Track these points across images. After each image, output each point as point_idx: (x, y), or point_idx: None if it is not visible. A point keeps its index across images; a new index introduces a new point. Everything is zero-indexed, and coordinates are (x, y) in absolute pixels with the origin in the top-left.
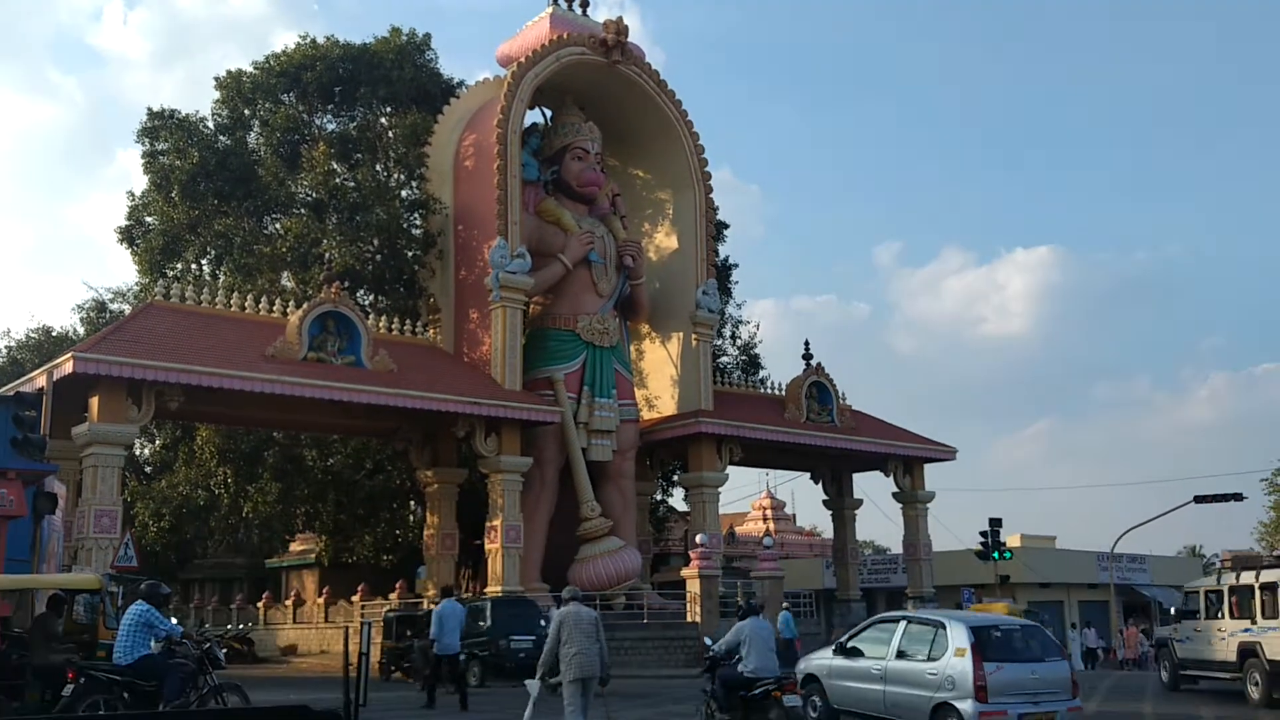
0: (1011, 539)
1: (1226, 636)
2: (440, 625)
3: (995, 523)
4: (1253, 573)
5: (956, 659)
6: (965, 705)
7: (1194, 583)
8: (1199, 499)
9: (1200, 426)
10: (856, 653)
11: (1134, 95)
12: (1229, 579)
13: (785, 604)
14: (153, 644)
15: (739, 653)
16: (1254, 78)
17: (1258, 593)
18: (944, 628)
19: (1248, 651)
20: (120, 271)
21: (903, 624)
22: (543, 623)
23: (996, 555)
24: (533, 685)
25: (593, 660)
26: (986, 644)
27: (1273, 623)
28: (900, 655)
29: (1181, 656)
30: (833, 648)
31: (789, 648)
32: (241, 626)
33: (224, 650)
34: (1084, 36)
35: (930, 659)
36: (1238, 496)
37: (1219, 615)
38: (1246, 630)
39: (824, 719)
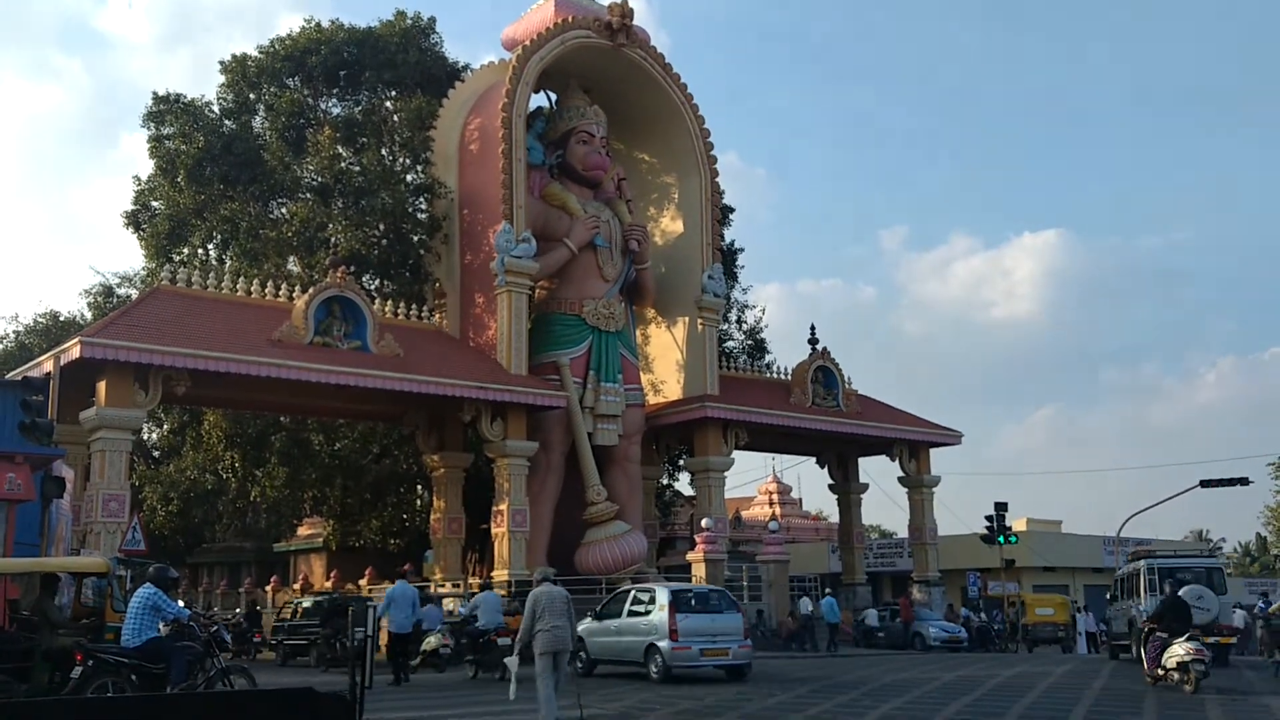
0: (1017, 523)
1: (1127, 612)
2: (390, 606)
3: (1001, 507)
4: (1140, 561)
5: (660, 613)
6: (664, 644)
7: (1118, 572)
8: (1205, 483)
9: (1208, 411)
10: (605, 616)
11: (1143, 79)
12: (1129, 567)
13: (829, 590)
14: (160, 627)
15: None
16: (1264, 61)
17: (1142, 576)
18: (654, 592)
19: (1131, 622)
20: (127, 256)
21: (632, 592)
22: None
23: (1002, 539)
24: (513, 663)
25: (564, 636)
26: (680, 602)
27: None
28: (629, 614)
29: (1114, 631)
30: (590, 616)
31: (835, 630)
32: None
33: (231, 633)
34: (1094, 20)
35: (645, 615)
36: (1244, 481)
37: (1127, 596)
38: (1134, 607)
39: (587, 669)
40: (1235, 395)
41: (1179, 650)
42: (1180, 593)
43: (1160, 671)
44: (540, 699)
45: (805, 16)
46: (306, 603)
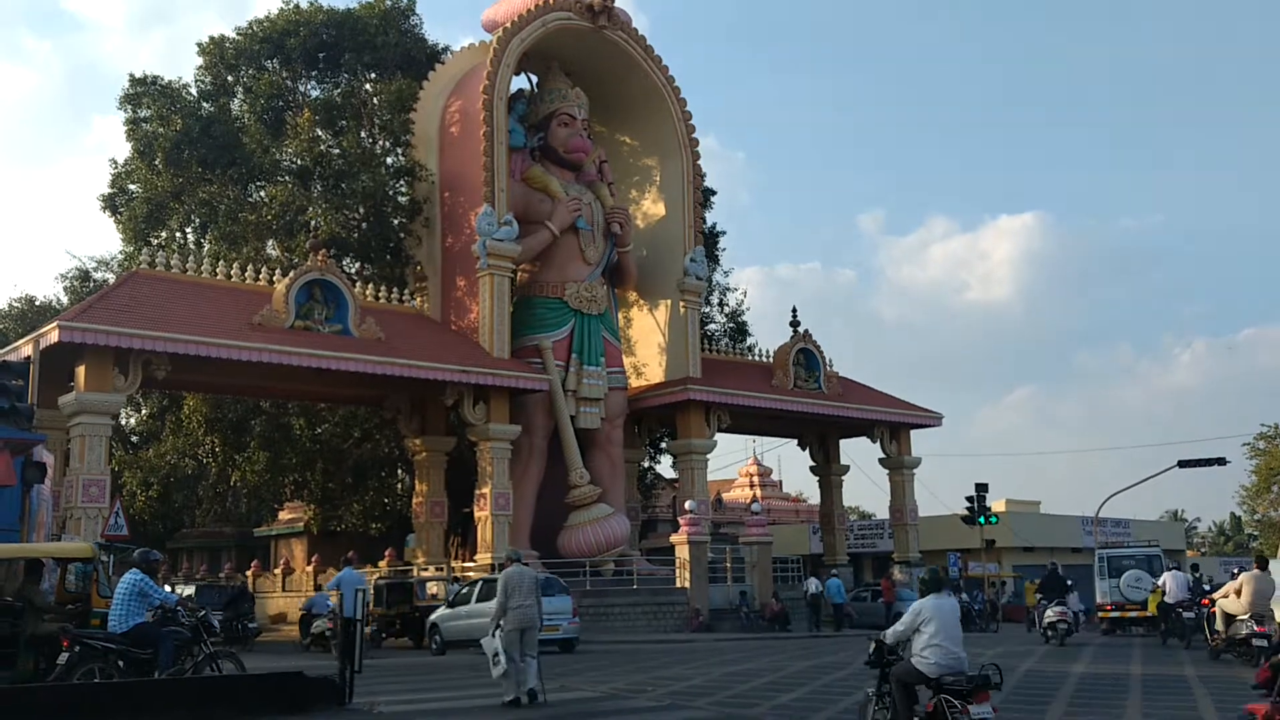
0: (997, 504)
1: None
2: (339, 591)
3: (981, 488)
4: (1100, 551)
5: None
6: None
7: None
8: (1183, 463)
9: (1183, 392)
10: (458, 603)
11: (1120, 64)
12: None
13: (834, 571)
14: (146, 612)
15: None
16: (1239, 48)
17: (1095, 565)
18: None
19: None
20: (104, 240)
21: (481, 582)
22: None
23: (982, 520)
24: (489, 644)
25: (531, 614)
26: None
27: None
28: (479, 600)
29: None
30: (445, 605)
31: (840, 611)
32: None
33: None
34: (1071, 5)
35: (491, 600)
36: (1221, 461)
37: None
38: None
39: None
40: (1210, 376)
41: (1050, 614)
42: (1123, 576)
43: (1042, 629)
44: (508, 670)
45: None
46: (190, 589)
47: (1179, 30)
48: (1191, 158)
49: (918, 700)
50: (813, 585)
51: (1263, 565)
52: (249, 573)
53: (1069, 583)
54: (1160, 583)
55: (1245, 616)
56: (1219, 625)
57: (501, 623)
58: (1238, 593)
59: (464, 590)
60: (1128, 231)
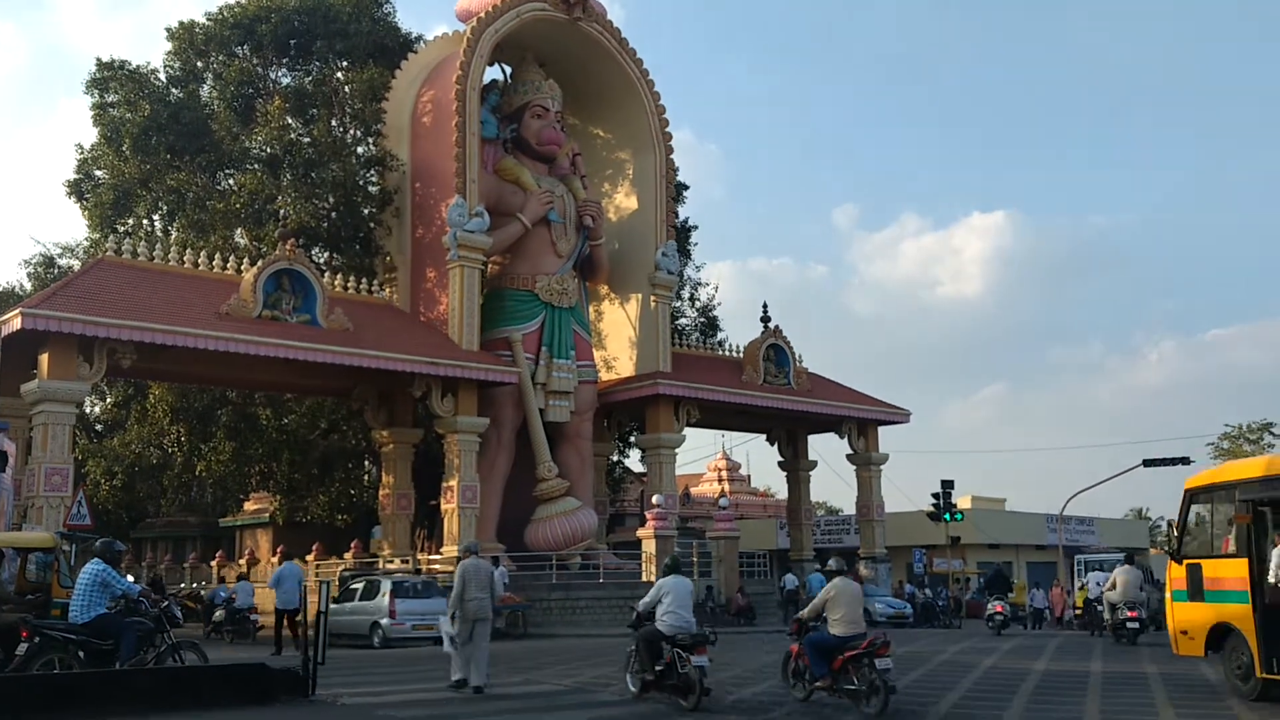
0: (962, 500)
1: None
2: (278, 584)
3: (947, 484)
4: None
5: (384, 597)
6: (385, 620)
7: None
8: (1148, 462)
9: (1150, 391)
10: (344, 599)
11: (1093, 62)
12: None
13: (818, 567)
14: (108, 603)
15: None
16: (1212, 47)
17: (1074, 566)
18: (382, 581)
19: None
20: (69, 226)
21: (364, 581)
22: None
23: (948, 516)
24: (445, 623)
25: (485, 606)
26: (399, 590)
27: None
28: (362, 598)
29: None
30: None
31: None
32: (195, 585)
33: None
34: (1044, 2)
35: (373, 599)
36: (1185, 460)
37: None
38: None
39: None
40: (1177, 375)
41: (990, 608)
42: (1086, 576)
43: (986, 619)
44: (456, 657)
45: None
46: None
47: (1151, 29)
48: (1163, 156)
49: (661, 654)
50: (790, 581)
51: (1130, 561)
52: (214, 563)
53: (1012, 582)
54: (1110, 579)
55: (1121, 603)
56: (1107, 613)
57: (458, 611)
58: (1113, 586)
59: (352, 586)
60: (1099, 229)
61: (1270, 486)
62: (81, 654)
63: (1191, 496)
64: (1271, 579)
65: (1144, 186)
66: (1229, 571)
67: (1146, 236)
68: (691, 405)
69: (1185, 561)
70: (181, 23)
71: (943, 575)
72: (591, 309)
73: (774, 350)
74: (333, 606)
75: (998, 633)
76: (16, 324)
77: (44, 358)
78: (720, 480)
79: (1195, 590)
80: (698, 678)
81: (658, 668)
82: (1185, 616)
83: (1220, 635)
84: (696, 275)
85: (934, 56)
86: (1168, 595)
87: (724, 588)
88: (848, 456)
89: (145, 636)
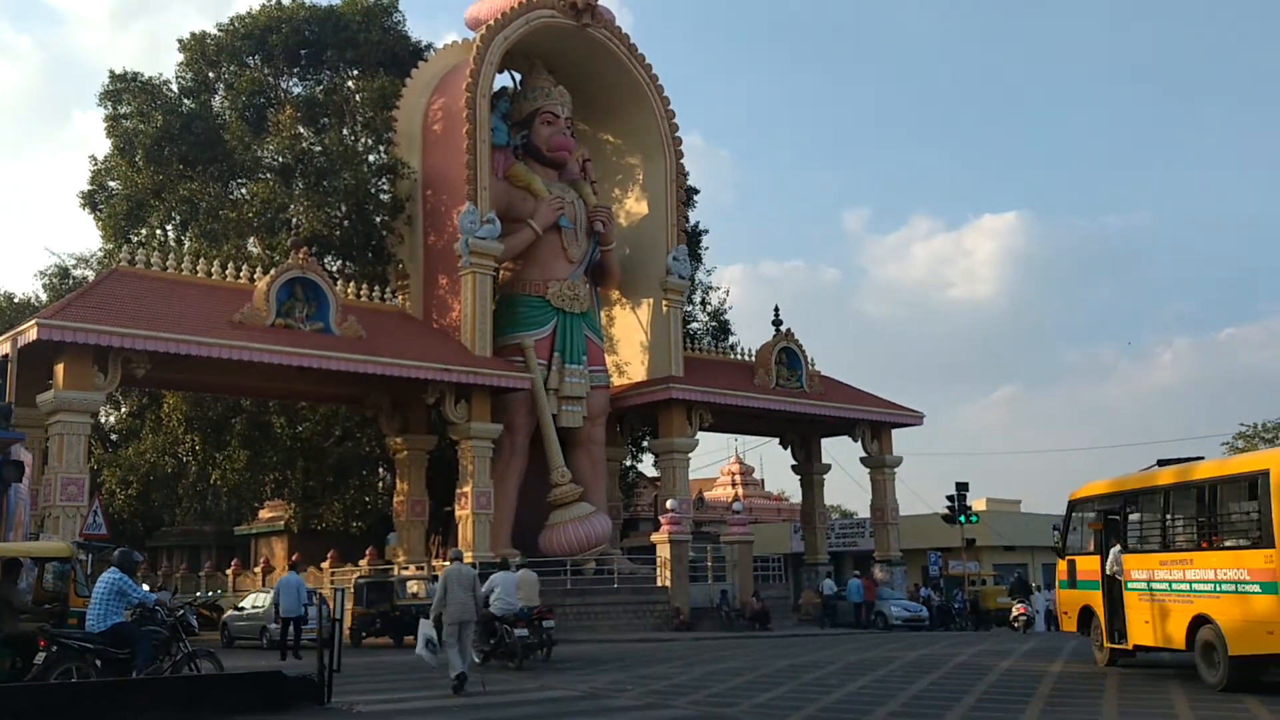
0: (977, 503)
1: None
2: (279, 593)
3: (962, 487)
4: None
5: (271, 607)
6: (273, 626)
7: None
8: (1162, 462)
9: (1164, 391)
10: (242, 608)
11: (1104, 61)
12: None
13: (856, 571)
14: (125, 611)
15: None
16: (1224, 45)
17: None
18: (276, 591)
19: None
20: (83, 237)
21: (257, 593)
22: None
23: (963, 519)
24: (426, 625)
25: (468, 608)
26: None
27: None
28: (252, 607)
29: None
30: (232, 609)
31: (858, 610)
32: (210, 594)
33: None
34: (1054, 3)
35: (263, 606)
36: (1199, 460)
37: None
38: None
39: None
40: (1191, 375)
41: (1015, 610)
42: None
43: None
44: (450, 657)
45: None
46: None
47: (1164, 28)
48: (1177, 156)
49: (494, 631)
50: (828, 586)
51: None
52: (229, 571)
53: (1035, 586)
54: None
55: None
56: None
57: (442, 613)
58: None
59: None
60: (1112, 229)
61: (1111, 500)
62: (98, 663)
63: (1072, 506)
64: (1108, 571)
65: (1157, 185)
66: (1089, 565)
67: (1159, 236)
68: (704, 409)
69: (1066, 557)
70: (194, 34)
71: (958, 578)
72: (603, 314)
73: (786, 353)
74: (235, 614)
75: (1022, 631)
76: (32, 335)
77: (59, 368)
78: (734, 484)
79: (1071, 580)
80: (519, 646)
81: (492, 641)
82: (1065, 600)
83: (1086, 615)
84: (708, 279)
85: (944, 58)
86: (1056, 584)
87: (739, 592)
88: (861, 459)
89: (161, 645)
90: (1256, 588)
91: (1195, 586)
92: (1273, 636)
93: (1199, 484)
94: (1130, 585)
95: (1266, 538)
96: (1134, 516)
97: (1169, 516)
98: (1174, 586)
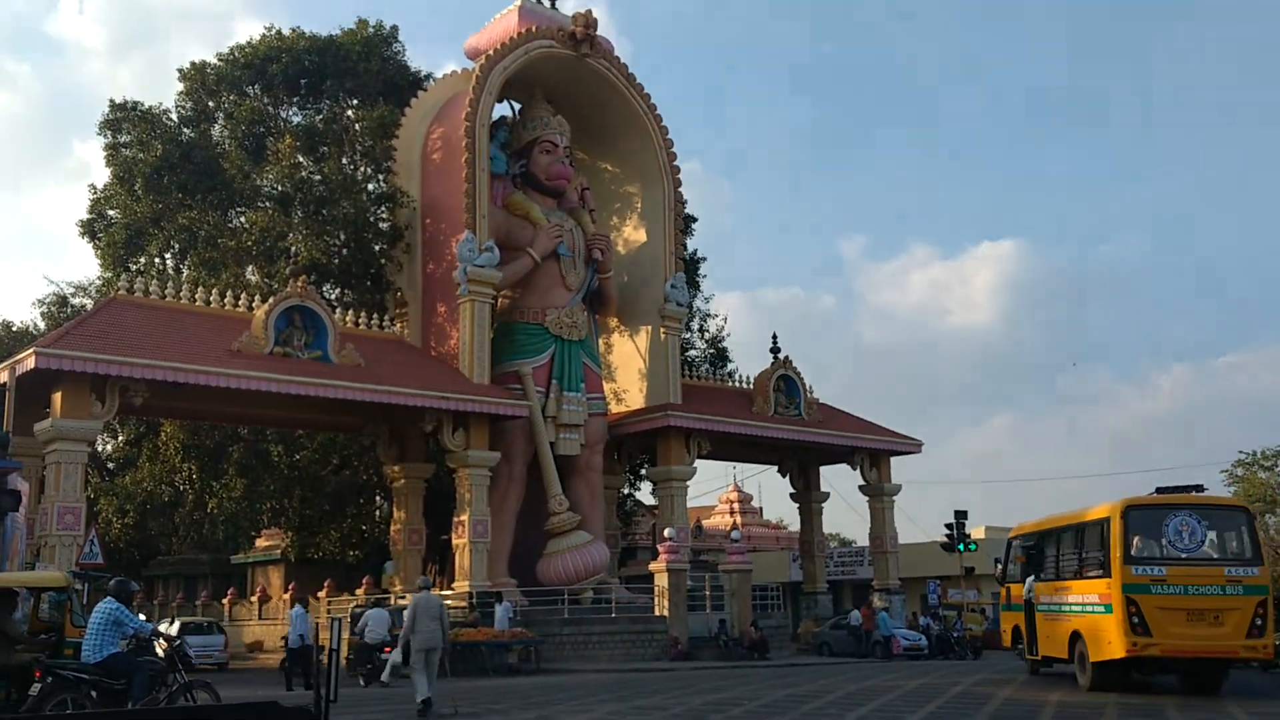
0: (976, 531)
1: None
2: (293, 625)
3: (960, 515)
4: None
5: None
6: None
7: None
8: (1161, 490)
9: (1162, 418)
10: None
11: (1098, 90)
12: None
13: (884, 604)
14: (121, 642)
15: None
16: (1218, 73)
17: None
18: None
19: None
20: (82, 265)
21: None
22: None
23: (962, 547)
24: (395, 655)
25: (436, 636)
26: (185, 628)
27: None
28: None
29: None
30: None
31: (889, 642)
32: (207, 623)
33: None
34: (1049, 30)
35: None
36: (1199, 488)
37: None
38: None
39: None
40: (1189, 402)
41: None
42: None
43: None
44: (414, 681)
45: (767, 25)
46: None
47: (1160, 56)
48: (1172, 181)
49: (369, 658)
50: (854, 617)
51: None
52: (225, 600)
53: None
54: None
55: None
56: None
57: (410, 640)
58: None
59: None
60: (1108, 256)
61: (1030, 538)
62: (94, 694)
63: (1009, 542)
64: (1025, 596)
65: (1153, 212)
66: (1018, 591)
67: (1156, 263)
68: (702, 437)
69: (1006, 584)
70: (194, 63)
71: (958, 606)
72: (601, 341)
73: (784, 381)
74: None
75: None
76: (30, 363)
77: (57, 397)
78: (732, 512)
79: (1009, 603)
80: (382, 667)
81: (369, 665)
82: (1005, 621)
83: (1016, 632)
84: (706, 306)
85: (942, 88)
86: (1000, 606)
87: (737, 621)
88: (860, 487)
89: (157, 675)
90: (1102, 608)
91: (1072, 608)
92: (1111, 645)
93: (1075, 527)
94: (1039, 608)
95: (1107, 570)
96: (1043, 552)
97: (1059, 553)
98: (1061, 608)
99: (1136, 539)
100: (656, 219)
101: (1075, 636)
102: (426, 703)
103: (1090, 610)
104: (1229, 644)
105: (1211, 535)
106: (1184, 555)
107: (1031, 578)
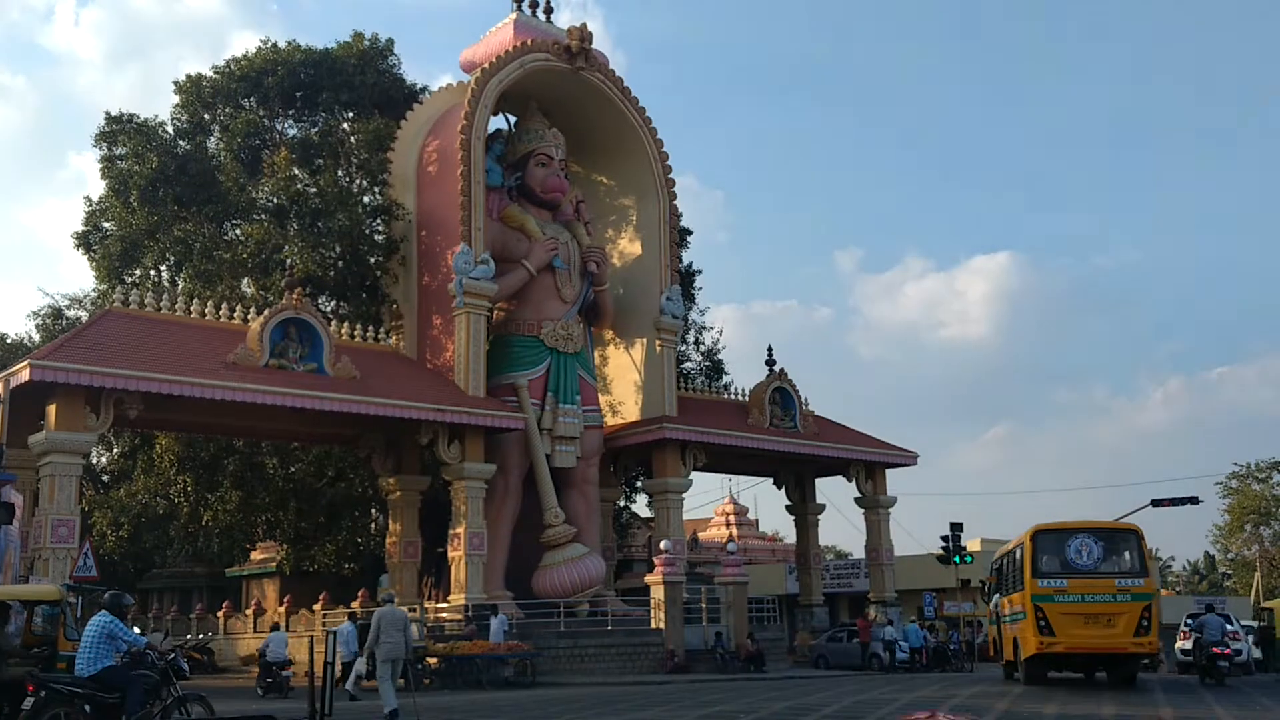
0: (972, 543)
1: None
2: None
3: (956, 527)
4: None
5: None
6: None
7: None
8: (1156, 502)
9: (1157, 430)
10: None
11: (1091, 104)
12: None
13: (914, 618)
14: (115, 655)
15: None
16: (1209, 87)
17: None
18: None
19: None
20: (77, 277)
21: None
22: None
23: (957, 559)
24: (360, 665)
25: (399, 647)
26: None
27: None
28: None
29: None
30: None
31: (917, 654)
32: (201, 636)
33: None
34: (1043, 45)
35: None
36: (1194, 500)
37: None
38: None
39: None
40: (1184, 415)
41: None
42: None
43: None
44: (381, 692)
45: (762, 40)
46: None
47: (1155, 68)
48: (1165, 195)
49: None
50: (889, 633)
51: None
52: (220, 613)
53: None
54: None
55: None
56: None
57: (375, 651)
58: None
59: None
60: (1102, 270)
61: (998, 561)
62: (88, 707)
63: (993, 563)
64: (994, 610)
65: (1147, 225)
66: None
67: (1150, 276)
68: (698, 449)
69: (988, 600)
70: (189, 76)
71: (953, 619)
72: (596, 354)
73: (780, 393)
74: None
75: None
76: (25, 375)
77: (51, 409)
78: (728, 525)
79: (993, 617)
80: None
81: (269, 680)
82: (991, 633)
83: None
84: (701, 319)
85: (937, 101)
86: (987, 619)
87: (734, 634)
88: (856, 500)
89: (152, 689)
90: (1023, 615)
91: (1013, 617)
92: (1027, 645)
93: (1012, 551)
94: (1004, 619)
95: (1021, 583)
96: (1003, 572)
97: (1009, 572)
98: (1010, 619)
99: (1044, 557)
100: (652, 232)
101: (1015, 642)
102: (394, 714)
103: (1018, 618)
104: (1120, 642)
105: (1106, 553)
106: (1082, 570)
107: (998, 595)
